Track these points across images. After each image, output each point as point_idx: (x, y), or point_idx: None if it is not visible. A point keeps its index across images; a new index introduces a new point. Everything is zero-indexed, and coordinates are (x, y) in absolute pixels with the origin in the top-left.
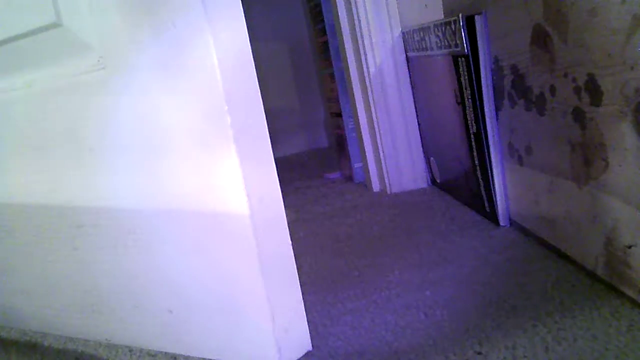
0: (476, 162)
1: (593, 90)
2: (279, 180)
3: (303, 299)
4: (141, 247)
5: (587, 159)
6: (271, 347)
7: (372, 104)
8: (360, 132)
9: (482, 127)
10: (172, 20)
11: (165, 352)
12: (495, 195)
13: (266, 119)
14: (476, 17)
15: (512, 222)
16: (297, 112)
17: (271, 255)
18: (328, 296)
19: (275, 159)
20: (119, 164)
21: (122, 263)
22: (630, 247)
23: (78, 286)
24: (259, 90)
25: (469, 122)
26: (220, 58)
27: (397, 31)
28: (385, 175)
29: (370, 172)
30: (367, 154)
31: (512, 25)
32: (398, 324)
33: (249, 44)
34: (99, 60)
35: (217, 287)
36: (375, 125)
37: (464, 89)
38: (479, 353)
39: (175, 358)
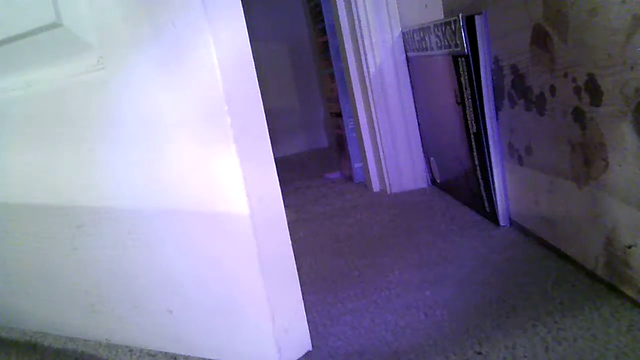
0: (476, 162)
1: (593, 90)
2: (279, 180)
3: (303, 299)
4: (141, 247)
5: (587, 159)
6: (271, 347)
7: (372, 104)
8: (360, 132)
9: (482, 127)
10: (172, 20)
11: (165, 352)
12: (495, 195)
13: (266, 119)
14: (476, 17)
15: (512, 222)
16: (297, 112)
17: (271, 255)
18: (328, 296)
19: (275, 159)
20: (119, 163)
21: (122, 263)
22: (630, 247)
23: (78, 286)
24: (259, 90)
25: (469, 122)
26: (220, 58)
27: (397, 31)
28: (385, 175)
29: (370, 172)
30: (367, 154)
31: (512, 25)
32: (398, 324)
33: (249, 44)
34: (99, 60)
35: (217, 287)
36: (375, 125)
37: (464, 89)
38: (479, 353)
39: (175, 358)
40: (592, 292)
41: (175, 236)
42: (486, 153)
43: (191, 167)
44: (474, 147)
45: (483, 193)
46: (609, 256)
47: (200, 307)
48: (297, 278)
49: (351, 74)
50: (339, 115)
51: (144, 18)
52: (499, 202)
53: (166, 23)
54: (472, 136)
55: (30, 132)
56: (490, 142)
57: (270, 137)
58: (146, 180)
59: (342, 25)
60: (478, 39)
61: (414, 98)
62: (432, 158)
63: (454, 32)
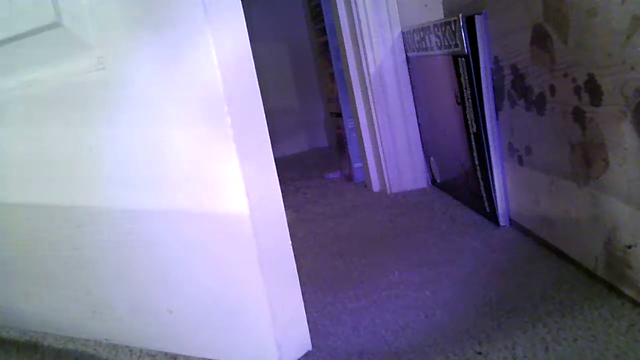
0: (476, 162)
1: (593, 90)
2: (279, 180)
3: (303, 299)
4: (141, 247)
5: (587, 159)
6: (271, 347)
7: (372, 104)
8: (360, 132)
9: (482, 127)
10: (172, 20)
11: (165, 352)
12: (495, 195)
13: (266, 119)
14: (476, 17)
15: (512, 222)
16: (297, 112)
17: (271, 255)
18: (328, 296)
19: (275, 159)
20: (119, 163)
21: (122, 263)
22: (630, 247)
23: (78, 286)
24: (259, 90)
25: (469, 122)
26: (220, 58)
27: (397, 31)
28: (385, 175)
29: (370, 172)
30: (367, 154)
31: (512, 25)
32: (398, 324)
33: (249, 44)
34: (99, 60)
35: (217, 287)
36: (375, 125)
37: (464, 89)
38: (479, 353)
39: (175, 358)
40: (592, 292)
41: (175, 236)
42: (486, 153)
43: (191, 167)
44: (474, 147)
45: (483, 193)
46: (609, 256)
47: (200, 307)
48: (297, 278)
49: (351, 74)
50: (339, 115)
51: (144, 18)
52: (499, 202)
53: (166, 23)
54: (472, 136)
55: (30, 131)
56: (490, 142)
57: (270, 137)
58: (146, 180)
59: (342, 25)
60: (478, 39)
61: (414, 98)
62: (432, 158)
63: (454, 32)
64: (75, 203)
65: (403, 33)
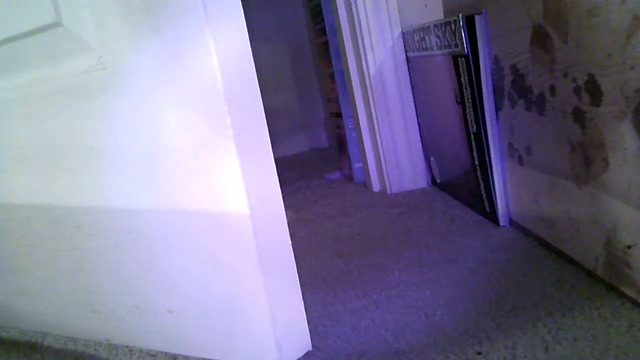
0: (476, 162)
1: (593, 90)
2: (279, 180)
3: (303, 299)
4: (141, 247)
5: (587, 159)
6: (271, 347)
7: (372, 104)
8: (360, 132)
9: (482, 127)
10: (172, 20)
11: (165, 352)
12: (495, 195)
13: (266, 119)
14: (476, 17)
15: (512, 222)
16: (297, 112)
17: (271, 255)
18: (328, 296)
19: (275, 159)
20: (119, 163)
21: (122, 263)
22: (630, 247)
23: (78, 286)
24: (259, 90)
25: (469, 122)
26: (220, 58)
27: (397, 31)
28: (385, 175)
29: (370, 172)
30: (367, 154)
31: (512, 25)
32: (398, 324)
33: (249, 44)
34: (99, 60)
35: (217, 287)
36: (375, 125)
37: (464, 89)
38: (479, 353)
39: (175, 358)
40: (592, 292)
41: (175, 236)
42: (486, 153)
43: (191, 167)
44: (474, 147)
45: (483, 193)
46: (609, 256)
47: (200, 307)
48: (297, 278)
49: (351, 74)
50: (339, 115)
51: (145, 18)
52: (499, 202)
53: (166, 23)
54: (472, 136)
55: (30, 132)
56: (490, 142)
57: (270, 137)
58: (146, 180)
59: (342, 26)
60: (478, 39)
61: (414, 98)
62: (432, 158)
63: (453, 32)
64: (75, 203)
65: (403, 33)
